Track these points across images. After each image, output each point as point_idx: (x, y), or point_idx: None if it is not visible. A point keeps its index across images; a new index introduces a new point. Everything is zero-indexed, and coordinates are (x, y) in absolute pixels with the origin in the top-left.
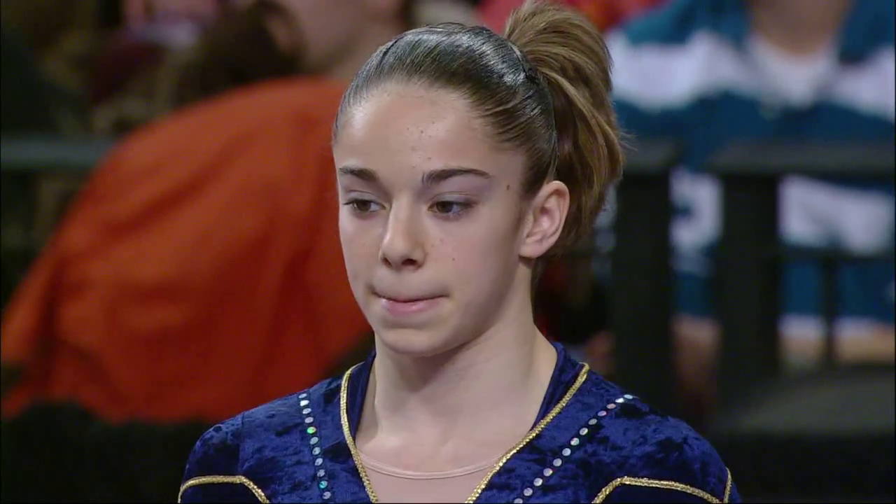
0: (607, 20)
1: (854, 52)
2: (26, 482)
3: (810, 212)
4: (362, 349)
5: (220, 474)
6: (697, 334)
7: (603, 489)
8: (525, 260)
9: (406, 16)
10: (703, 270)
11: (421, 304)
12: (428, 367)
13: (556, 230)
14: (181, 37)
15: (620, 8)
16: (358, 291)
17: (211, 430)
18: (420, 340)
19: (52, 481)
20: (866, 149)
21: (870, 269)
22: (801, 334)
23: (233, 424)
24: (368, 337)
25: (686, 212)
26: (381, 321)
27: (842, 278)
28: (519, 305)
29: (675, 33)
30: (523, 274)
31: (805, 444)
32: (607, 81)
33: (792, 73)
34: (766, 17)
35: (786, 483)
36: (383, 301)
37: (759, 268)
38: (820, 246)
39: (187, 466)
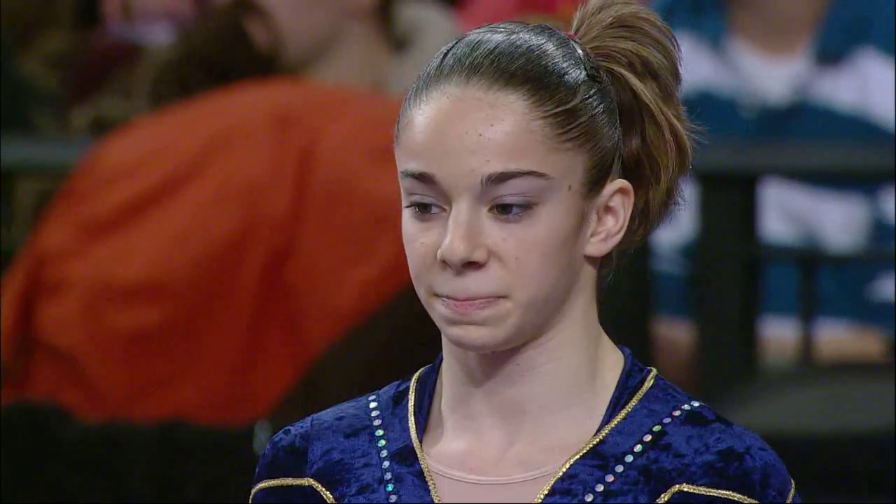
0: None
1: (832, 53)
2: (4, 482)
3: (788, 212)
4: (342, 349)
5: (288, 477)
6: (676, 334)
7: (662, 495)
8: (590, 259)
9: (385, 14)
10: (681, 270)
11: (482, 302)
12: (492, 366)
13: (621, 229)
14: (159, 36)
15: None
16: (420, 292)
17: (280, 432)
18: (482, 335)
19: (31, 482)
20: (844, 149)
21: (848, 270)
22: (779, 334)
23: (301, 427)
24: (349, 338)
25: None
26: (445, 319)
27: (820, 279)
28: (584, 305)
29: None
30: (588, 274)
31: (783, 444)
32: (676, 75)
33: (770, 73)
34: (744, 18)
35: None
36: (446, 300)
37: (737, 268)
38: (798, 246)
39: (257, 469)
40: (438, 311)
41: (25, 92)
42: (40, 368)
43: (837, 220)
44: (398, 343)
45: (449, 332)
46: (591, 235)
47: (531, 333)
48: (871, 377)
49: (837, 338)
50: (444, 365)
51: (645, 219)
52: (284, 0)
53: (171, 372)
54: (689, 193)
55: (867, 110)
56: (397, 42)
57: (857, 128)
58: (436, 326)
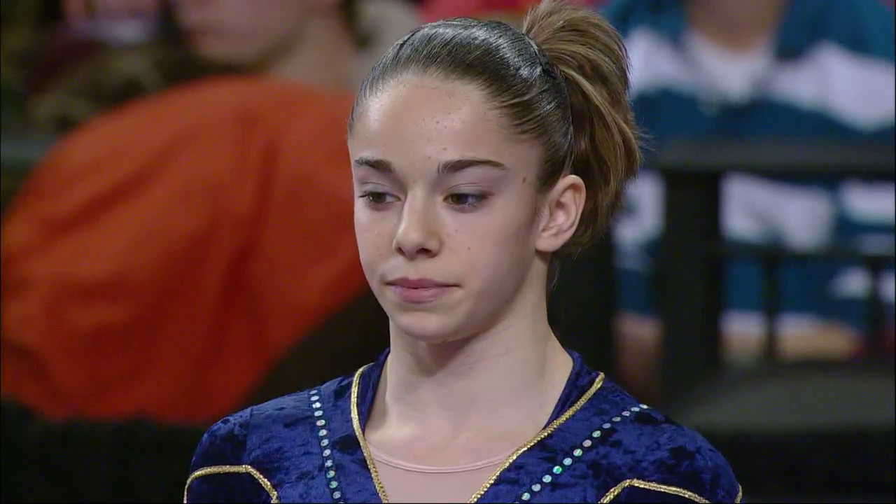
0: None
1: (791, 49)
2: None
3: (751, 209)
4: (305, 347)
5: (226, 464)
6: (640, 332)
7: (612, 489)
8: (541, 254)
9: (348, 12)
10: (645, 268)
11: (433, 291)
12: (442, 356)
13: (572, 225)
14: (122, 33)
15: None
16: (373, 282)
17: (219, 422)
18: (432, 323)
19: None
20: (806, 145)
21: (811, 266)
22: (743, 331)
23: (241, 416)
24: (312, 336)
25: (628, 209)
26: (396, 306)
27: (783, 275)
28: (534, 300)
29: None
30: (539, 268)
31: (747, 441)
32: (625, 79)
33: (730, 70)
34: (702, 14)
35: None
36: (396, 287)
37: (701, 265)
38: (762, 243)
39: (193, 458)
40: (390, 299)
41: None
42: (2, 366)
43: (800, 217)
44: (361, 341)
45: (400, 321)
46: (543, 230)
47: (482, 324)
48: (835, 374)
49: (801, 334)
50: (392, 355)
51: (593, 222)
52: None
53: (134, 370)
54: (652, 191)
55: (828, 106)
56: (361, 40)
57: (819, 123)
58: None
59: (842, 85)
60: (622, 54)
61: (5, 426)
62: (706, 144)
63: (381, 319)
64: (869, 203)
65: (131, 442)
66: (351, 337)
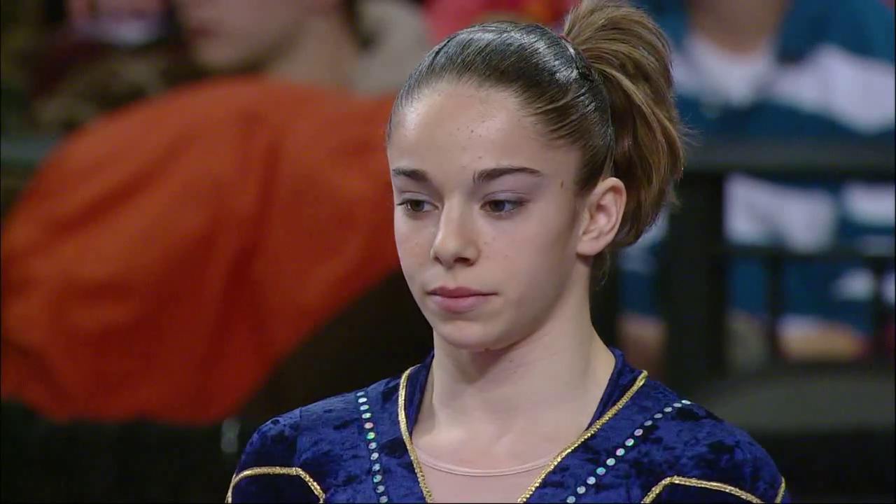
0: (553, 19)
1: (793, 51)
2: None
3: (754, 210)
4: (309, 347)
5: (276, 465)
6: (643, 332)
7: (653, 488)
8: (582, 258)
9: (350, 11)
10: (648, 269)
11: (472, 300)
12: (485, 362)
13: (613, 227)
14: (126, 34)
15: (565, 7)
16: (414, 291)
17: (268, 422)
18: (474, 332)
19: None
20: (808, 147)
21: (814, 268)
22: (746, 332)
23: (291, 417)
24: (315, 336)
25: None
26: (437, 316)
27: (786, 276)
28: (576, 303)
29: None
30: (580, 272)
31: None
32: (668, 77)
33: (731, 73)
34: (704, 18)
35: None
36: (436, 297)
37: (704, 266)
38: (764, 244)
39: (242, 458)
40: (430, 308)
41: None
42: (5, 366)
43: (802, 218)
44: (365, 341)
45: (442, 330)
46: (584, 233)
47: (524, 331)
48: (838, 375)
49: (804, 335)
50: (436, 361)
51: (636, 220)
52: None
53: (137, 370)
54: None
55: (829, 108)
56: (364, 40)
57: (820, 125)
58: (402, 324)
59: (843, 87)
60: (665, 51)
61: (8, 426)
62: (709, 146)
63: (385, 320)
64: (871, 204)
65: (134, 442)
66: (355, 337)
